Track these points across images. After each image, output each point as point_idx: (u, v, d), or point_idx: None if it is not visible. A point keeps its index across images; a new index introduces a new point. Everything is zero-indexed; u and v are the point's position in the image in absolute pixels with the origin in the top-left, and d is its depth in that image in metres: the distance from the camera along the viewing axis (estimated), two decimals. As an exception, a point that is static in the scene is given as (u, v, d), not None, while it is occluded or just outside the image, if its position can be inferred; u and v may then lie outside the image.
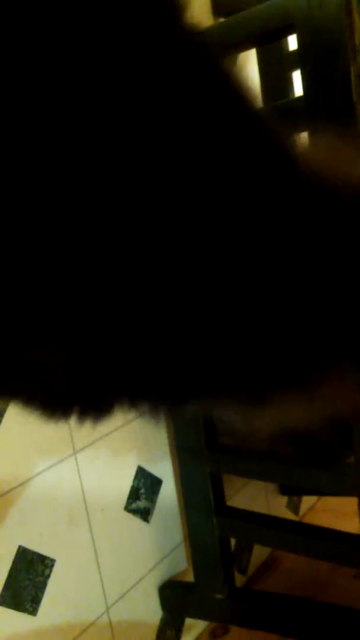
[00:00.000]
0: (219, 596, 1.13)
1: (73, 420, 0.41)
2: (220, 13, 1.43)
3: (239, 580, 1.40)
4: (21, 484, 0.95)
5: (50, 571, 0.99)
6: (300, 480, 1.00)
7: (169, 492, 1.25)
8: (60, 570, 1.01)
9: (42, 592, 0.98)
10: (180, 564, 1.28)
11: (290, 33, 0.81)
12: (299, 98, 0.82)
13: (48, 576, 0.99)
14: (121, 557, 1.14)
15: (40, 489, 0.98)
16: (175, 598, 1.21)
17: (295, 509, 1.66)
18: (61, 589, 1.01)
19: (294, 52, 1.30)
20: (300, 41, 0.78)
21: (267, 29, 0.81)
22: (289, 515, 1.64)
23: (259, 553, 1.49)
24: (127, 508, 1.16)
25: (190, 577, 1.23)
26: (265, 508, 1.54)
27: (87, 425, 0.41)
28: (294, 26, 0.78)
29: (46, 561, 0.99)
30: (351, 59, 0.73)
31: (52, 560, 0.99)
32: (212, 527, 1.10)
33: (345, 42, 0.74)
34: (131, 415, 1.14)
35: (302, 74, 0.79)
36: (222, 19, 1.45)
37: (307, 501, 1.70)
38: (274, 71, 1.28)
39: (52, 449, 1.01)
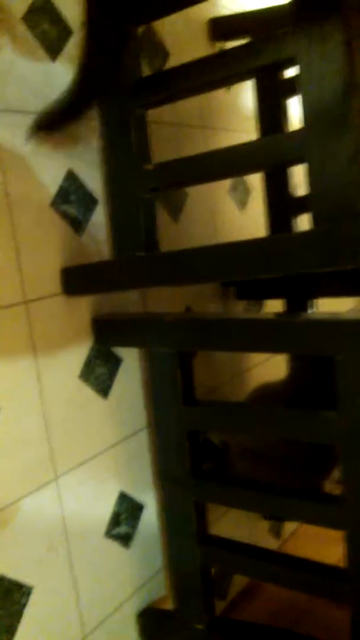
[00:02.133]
0: (198, 626, 1.12)
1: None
2: (218, 38, 1.44)
3: (219, 605, 1.39)
4: (1, 510, 0.93)
5: (27, 599, 0.97)
6: (285, 511, 0.99)
7: (150, 517, 1.24)
8: (38, 598, 0.98)
9: (18, 622, 0.95)
10: (160, 590, 1.26)
11: (291, 66, 0.81)
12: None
13: (25, 605, 0.96)
14: (100, 584, 1.12)
15: (21, 514, 0.96)
16: (154, 626, 1.20)
17: (277, 534, 1.66)
18: (38, 617, 0.99)
19: (290, 79, 1.30)
20: (300, 74, 0.78)
21: (268, 62, 0.81)
22: (271, 540, 1.64)
23: (240, 578, 1.47)
24: (108, 534, 1.14)
25: (169, 605, 1.21)
26: (247, 532, 1.52)
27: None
28: (295, 59, 0.78)
29: (23, 589, 0.96)
30: (351, 95, 0.73)
31: (30, 588, 0.97)
32: (194, 555, 1.08)
33: (345, 77, 0.74)
34: (113, 440, 1.13)
35: (302, 106, 0.79)
36: (219, 44, 1.46)
37: (290, 526, 1.70)
38: (270, 98, 1.29)
39: (34, 474, 0.99)
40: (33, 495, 0.98)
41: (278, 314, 1.07)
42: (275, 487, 1.00)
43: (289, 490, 0.98)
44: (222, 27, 1.43)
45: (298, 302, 1.45)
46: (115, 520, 1.15)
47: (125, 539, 1.18)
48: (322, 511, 0.93)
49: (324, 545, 1.22)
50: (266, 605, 1.42)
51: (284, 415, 0.97)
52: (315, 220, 0.80)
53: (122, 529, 1.17)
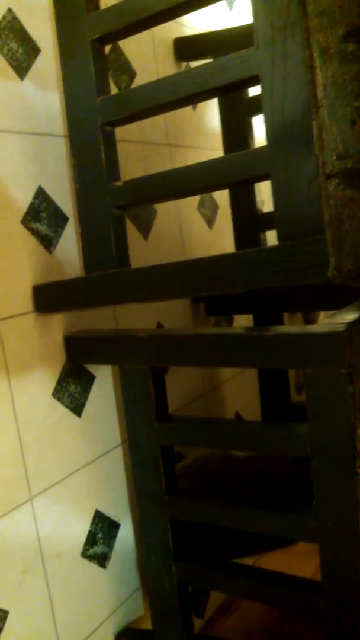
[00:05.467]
0: (177, 645, 1.11)
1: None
2: (183, 58, 1.46)
3: (197, 623, 1.38)
4: (-26, 532, 0.92)
5: (3, 624, 0.95)
6: (259, 525, 0.99)
7: (126, 536, 1.23)
8: (14, 622, 0.97)
9: (-6, 647, 0.94)
10: (138, 610, 1.25)
11: (255, 84, 0.82)
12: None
13: (1, 629, 0.95)
14: (77, 605, 1.10)
15: (-6, 537, 0.95)
16: (132, 646, 1.18)
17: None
18: (14, 642, 0.97)
19: (255, 97, 1.33)
20: (264, 92, 0.79)
21: (232, 80, 0.82)
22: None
23: (217, 595, 1.46)
24: (84, 554, 1.13)
25: (148, 624, 1.20)
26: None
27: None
28: (259, 77, 0.80)
29: (-1, 613, 0.95)
30: (314, 113, 0.75)
31: (6, 612, 0.96)
32: (171, 573, 1.08)
33: (307, 96, 0.76)
34: (88, 458, 1.12)
35: (265, 124, 0.80)
36: (184, 64, 1.48)
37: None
38: (235, 116, 1.31)
39: (8, 494, 0.98)
40: (7, 516, 0.97)
41: (248, 329, 1.08)
42: (249, 502, 1.00)
43: (263, 504, 0.98)
44: (188, 46, 1.45)
45: (266, 317, 1.46)
46: (91, 540, 1.14)
47: (101, 559, 1.17)
48: (295, 524, 0.93)
49: (298, 559, 1.23)
50: (243, 622, 1.41)
51: (255, 430, 0.98)
52: (280, 236, 0.82)
53: (99, 549, 1.16)
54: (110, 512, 1.19)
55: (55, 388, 1.08)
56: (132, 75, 1.34)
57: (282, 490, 1.18)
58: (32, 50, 1.08)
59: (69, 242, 1.13)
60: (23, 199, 1.04)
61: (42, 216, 1.07)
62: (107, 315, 1.22)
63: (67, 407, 1.11)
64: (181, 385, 1.43)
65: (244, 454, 1.36)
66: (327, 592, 0.91)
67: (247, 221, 1.43)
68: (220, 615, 1.45)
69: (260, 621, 1.36)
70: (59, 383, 1.09)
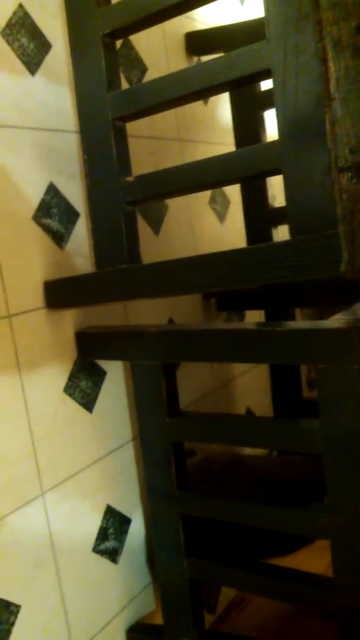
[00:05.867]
0: (188, 640, 1.11)
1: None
2: (194, 53, 1.46)
3: (208, 619, 1.38)
4: (-14, 527, 0.92)
5: (16, 618, 0.96)
6: (270, 521, 0.99)
7: (137, 531, 1.23)
8: (26, 617, 0.97)
9: (6, 641, 0.94)
10: (149, 605, 1.25)
11: (267, 78, 0.82)
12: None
13: (13, 623, 0.95)
14: (88, 600, 1.11)
15: (6, 531, 0.95)
16: (143, 641, 1.19)
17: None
18: (26, 636, 0.97)
19: (266, 91, 1.32)
20: (276, 86, 0.79)
21: (243, 74, 0.82)
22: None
23: (228, 591, 1.46)
24: (96, 549, 1.13)
25: (159, 619, 1.20)
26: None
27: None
28: (270, 71, 0.79)
29: (11, 608, 0.95)
30: (326, 107, 0.74)
31: (18, 607, 0.96)
32: (182, 568, 1.08)
33: (320, 90, 0.75)
34: (99, 454, 1.12)
35: (277, 118, 0.80)
36: (196, 58, 1.47)
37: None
38: (247, 110, 1.30)
39: (20, 490, 0.98)
40: (19, 512, 0.97)
41: (260, 324, 1.08)
42: (260, 498, 1.00)
43: (274, 500, 0.98)
44: (199, 41, 1.45)
45: (277, 313, 1.46)
46: (102, 535, 1.15)
47: (113, 554, 1.17)
48: (307, 520, 0.93)
49: (310, 556, 1.22)
50: (254, 617, 1.41)
51: (267, 426, 0.98)
52: (292, 231, 0.81)
53: (110, 544, 1.16)
54: (121, 507, 1.19)
55: (67, 384, 1.08)
56: (143, 70, 1.34)
57: (289, 492, 1.18)
58: (43, 45, 1.07)
59: (80, 237, 1.13)
60: (34, 195, 1.04)
61: (53, 212, 1.07)
62: (118, 311, 1.22)
63: (79, 402, 1.11)
64: (192, 381, 1.43)
65: (251, 455, 1.37)
66: (339, 588, 0.91)
67: (259, 216, 1.42)
68: (231, 611, 1.45)
69: (271, 617, 1.36)
70: (70, 379, 1.09)
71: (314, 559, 1.16)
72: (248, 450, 1.43)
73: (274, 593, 1.02)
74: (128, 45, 1.30)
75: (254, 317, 1.67)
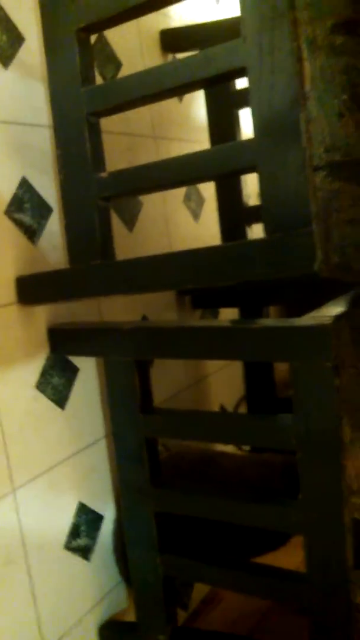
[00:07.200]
0: (161, 637, 1.11)
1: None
2: (169, 50, 1.45)
3: (181, 616, 1.38)
4: None
5: (-14, 617, 0.95)
6: (244, 517, 0.99)
7: (110, 528, 1.23)
8: (-4, 615, 0.96)
9: (-23, 640, 0.93)
10: (122, 603, 1.25)
11: (242, 76, 0.82)
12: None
13: (-17, 622, 0.94)
14: (60, 598, 1.10)
15: (-23, 530, 0.94)
16: (116, 638, 1.18)
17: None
18: (-3, 634, 0.97)
19: (241, 90, 1.32)
20: (251, 84, 0.79)
21: (218, 72, 0.82)
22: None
23: (201, 587, 1.47)
24: (67, 546, 1.12)
25: (131, 617, 1.20)
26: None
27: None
28: (246, 69, 0.79)
29: (-19, 606, 0.94)
30: (301, 105, 0.74)
31: (-12, 605, 0.95)
32: (155, 565, 1.08)
33: (295, 88, 0.75)
34: (72, 450, 1.12)
35: (252, 116, 0.80)
36: (171, 56, 1.47)
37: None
38: (222, 108, 1.30)
39: (-9, 487, 0.97)
40: (-10, 509, 0.96)
41: (234, 321, 1.08)
42: (235, 494, 1.01)
43: (249, 497, 0.98)
44: (174, 38, 1.44)
45: (252, 311, 1.46)
46: (74, 532, 1.14)
47: (85, 551, 1.17)
48: (281, 516, 0.93)
49: (283, 551, 1.23)
50: (227, 613, 1.42)
51: (240, 422, 0.98)
52: (267, 229, 0.81)
53: (82, 541, 1.16)
54: (94, 504, 1.19)
55: (39, 380, 1.07)
56: (118, 65, 1.33)
57: (260, 490, 1.19)
58: (16, 38, 1.06)
59: (53, 233, 1.12)
60: (6, 189, 1.03)
61: (25, 207, 1.06)
62: (92, 307, 1.22)
63: (51, 399, 1.10)
64: (166, 377, 1.43)
65: (222, 452, 1.37)
66: (312, 584, 0.92)
67: (234, 214, 1.42)
68: (204, 607, 1.45)
69: (244, 613, 1.37)
70: (42, 375, 1.08)
71: (288, 556, 1.17)
72: (219, 448, 1.43)
73: (250, 589, 1.03)
74: (103, 41, 1.29)
75: (228, 315, 1.67)
